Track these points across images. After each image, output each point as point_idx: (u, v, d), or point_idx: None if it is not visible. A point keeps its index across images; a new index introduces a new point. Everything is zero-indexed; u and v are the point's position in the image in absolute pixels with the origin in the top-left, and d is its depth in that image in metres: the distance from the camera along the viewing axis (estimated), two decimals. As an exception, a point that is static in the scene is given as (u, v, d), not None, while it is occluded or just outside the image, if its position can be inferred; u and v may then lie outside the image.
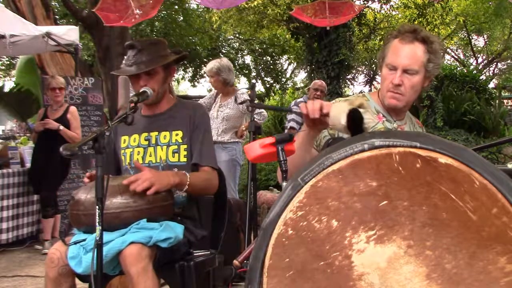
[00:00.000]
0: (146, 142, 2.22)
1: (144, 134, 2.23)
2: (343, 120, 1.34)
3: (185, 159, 2.17)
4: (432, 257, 0.99)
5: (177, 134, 2.20)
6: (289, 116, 5.10)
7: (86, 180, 2.04)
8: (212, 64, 4.28)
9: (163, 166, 2.16)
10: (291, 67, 22.55)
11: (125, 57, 2.20)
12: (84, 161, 5.56)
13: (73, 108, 4.94)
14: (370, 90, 16.32)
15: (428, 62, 1.72)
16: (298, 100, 5.26)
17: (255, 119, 3.95)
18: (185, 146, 2.18)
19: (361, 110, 1.35)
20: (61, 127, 4.65)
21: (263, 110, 4.27)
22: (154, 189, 1.88)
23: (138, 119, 2.23)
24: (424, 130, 2.01)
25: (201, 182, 2.12)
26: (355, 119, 1.32)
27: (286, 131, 5.17)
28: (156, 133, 2.21)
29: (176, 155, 2.17)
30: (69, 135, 4.69)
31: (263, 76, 21.62)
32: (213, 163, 2.22)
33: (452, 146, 1.02)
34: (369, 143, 1.06)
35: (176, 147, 2.18)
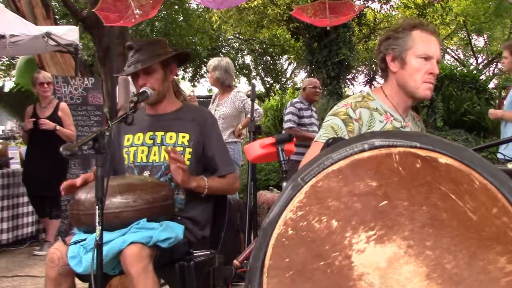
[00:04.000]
0: (151, 141, 2.22)
1: (149, 133, 2.23)
2: None
3: (188, 162, 2.17)
4: (432, 257, 0.99)
5: (183, 137, 2.19)
6: (286, 117, 5.09)
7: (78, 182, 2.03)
8: (212, 60, 4.41)
9: (166, 166, 2.15)
10: (291, 67, 22.55)
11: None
12: (84, 161, 5.56)
13: (63, 105, 4.81)
14: (371, 89, 16.27)
15: None
16: (294, 100, 5.24)
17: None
18: (190, 150, 2.18)
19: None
20: (58, 127, 4.53)
21: (258, 107, 4.30)
22: (183, 173, 2.01)
23: (143, 118, 2.25)
24: (421, 122, 2.01)
25: (221, 186, 2.22)
26: None
27: (283, 131, 5.16)
28: (162, 133, 2.21)
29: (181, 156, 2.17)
30: (66, 133, 4.58)
31: (263, 76, 21.60)
32: (232, 168, 2.28)
33: (452, 146, 1.02)
34: (369, 143, 1.06)
35: (181, 149, 2.18)
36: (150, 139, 2.22)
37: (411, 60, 1.72)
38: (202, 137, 2.21)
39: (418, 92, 1.74)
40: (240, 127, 4.30)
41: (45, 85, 4.67)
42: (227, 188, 2.27)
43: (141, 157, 2.20)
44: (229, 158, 2.32)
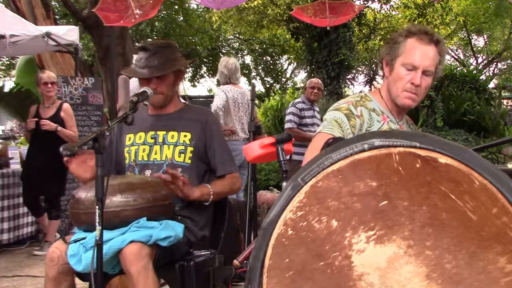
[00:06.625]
0: (153, 140, 2.24)
1: (151, 133, 2.25)
2: None
3: (189, 161, 2.20)
4: (432, 257, 0.99)
5: (185, 136, 2.22)
6: (287, 117, 5.10)
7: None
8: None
9: (168, 164, 2.17)
10: (291, 67, 22.55)
11: (136, 57, 2.22)
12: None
13: (66, 106, 4.78)
14: (370, 90, 16.27)
15: (438, 64, 1.74)
16: (296, 100, 5.24)
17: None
18: (192, 149, 2.21)
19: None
20: (59, 128, 4.50)
21: (218, 94, 4.36)
22: (183, 189, 2.01)
23: (145, 118, 2.28)
24: (414, 126, 2.03)
25: (224, 188, 2.24)
26: None
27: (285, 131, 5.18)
28: (164, 132, 2.23)
29: (182, 155, 2.19)
30: (67, 134, 4.55)
31: (263, 76, 21.60)
32: (232, 169, 2.29)
33: (452, 146, 1.02)
34: (369, 143, 1.05)
35: (183, 147, 2.20)
36: (152, 138, 2.24)
37: (397, 67, 1.74)
38: (204, 136, 2.23)
39: (398, 99, 1.77)
40: None
41: (49, 85, 4.64)
42: (229, 190, 2.29)
43: (142, 156, 2.22)
44: (231, 158, 2.33)
